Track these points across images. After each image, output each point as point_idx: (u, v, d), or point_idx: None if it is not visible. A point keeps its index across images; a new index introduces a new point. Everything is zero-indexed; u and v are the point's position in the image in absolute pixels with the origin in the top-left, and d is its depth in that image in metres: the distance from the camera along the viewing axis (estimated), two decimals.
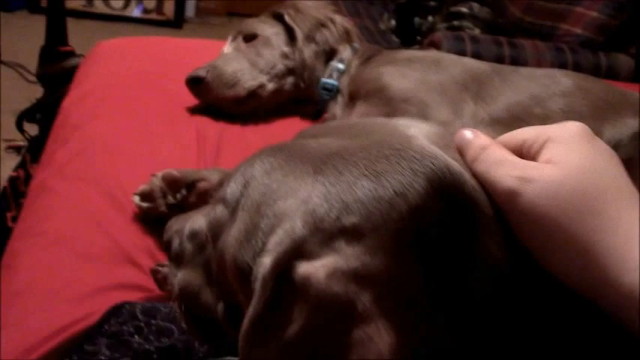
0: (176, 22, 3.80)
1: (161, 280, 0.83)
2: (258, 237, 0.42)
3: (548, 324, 0.42)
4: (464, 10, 2.56)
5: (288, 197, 0.42)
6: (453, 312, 0.40)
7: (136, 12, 3.76)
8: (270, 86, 1.33)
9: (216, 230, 0.49)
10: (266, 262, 0.40)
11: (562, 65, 2.23)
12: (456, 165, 0.43)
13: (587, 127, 0.46)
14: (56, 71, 1.78)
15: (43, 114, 1.80)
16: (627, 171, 1.19)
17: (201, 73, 1.28)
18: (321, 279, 0.38)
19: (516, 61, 2.21)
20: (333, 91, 1.32)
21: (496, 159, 0.44)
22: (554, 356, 0.42)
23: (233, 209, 0.46)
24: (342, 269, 0.38)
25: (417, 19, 2.62)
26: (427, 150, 0.43)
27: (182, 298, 0.59)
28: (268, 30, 1.37)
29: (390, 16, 2.73)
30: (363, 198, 0.39)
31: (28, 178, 1.44)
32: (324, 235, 0.39)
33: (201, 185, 0.95)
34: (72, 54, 1.81)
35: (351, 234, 0.39)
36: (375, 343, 0.37)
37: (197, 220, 0.59)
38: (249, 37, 1.36)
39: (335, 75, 1.34)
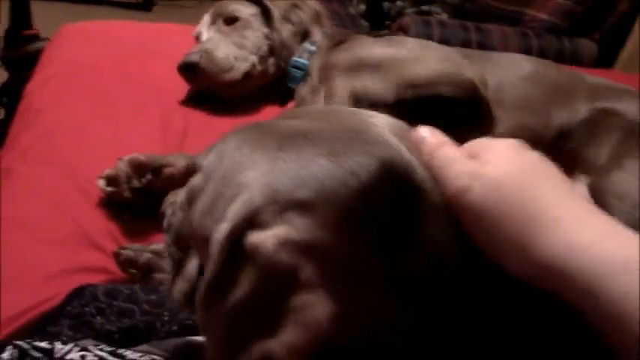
0: (145, 5, 3.76)
1: (123, 263, 0.85)
2: (221, 205, 0.44)
3: (501, 315, 0.44)
4: None
5: (250, 169, 0.44)
6: (408, 298, 0.42)
7: None
8: (259, 67, 1.34)
9: (191, 198, 0.50)
10: (223, 228, 0.42)
11: (527, 50, 2.27)
12: (408, 154, 0.45)
13: (519, 142, 0.49)
14: (20, 55, 1.76)
15: (8, 98, 1.78)
16: (570, 159, 1.21)
17: (195, 58, 1.27)
18: (269, 247, 0.40)
19: (483, 46, 2.24)
20: (303, 70, 1.34)
21: (449, 157, 0.46)
22: (511, 348, 0.44)
23: (207, 179, 0.48)
24: (291, 239, 0.40)
25: (386, 4, 2.63)
26: (384, 137, 0.46)
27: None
28: (246, 11, 1.37)
29: (359, 1, 2.74)
30: (318, 174, 0.41)
31: None
32: (278, 206, 0.41)
33: (168, 170, 0.96)
34: (36, 37, 1.79)
35: (304, 207, 0.41)
36: (312, 311, 0.39)
37: None
38: (230, 20, 1.36)
39: (306, 55, 1.36)
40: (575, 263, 0.39)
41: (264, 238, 0.40)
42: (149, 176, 0.95)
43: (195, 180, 0.51)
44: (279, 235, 0.40)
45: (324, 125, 0.48)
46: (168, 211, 0.63)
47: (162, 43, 1.54)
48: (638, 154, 1.06)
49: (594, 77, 1.27)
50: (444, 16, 2.49)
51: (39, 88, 1.29)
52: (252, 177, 0.43)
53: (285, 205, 0.41)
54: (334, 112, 0.56)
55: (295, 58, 1.35)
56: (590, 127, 1.16)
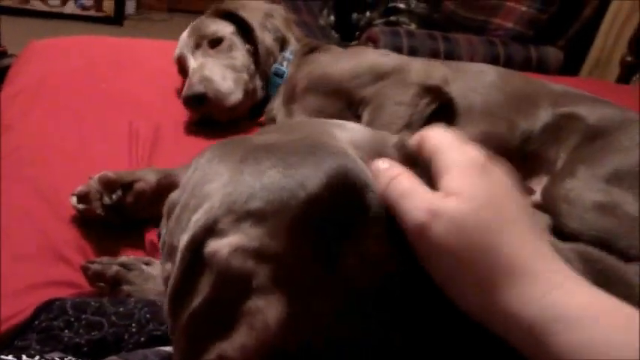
0: (116, 19, 3.75)
1: (91, 276, 0.86)
2: (186, 216, 0.47)
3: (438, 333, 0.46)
4: (400, 5, 2.62)
5: (214, 181, 0.46)
6: (353, 306, 0.44)
7: (74, 9, 3.69)
8: (251, 85, 1.36)
9: (169, 211, 0.52)
10: (184, 237, 0.45)
11: (494, 58, 2.31)
12: (358, 169, 0.46)
13: (483, 153, 0.47)
14: None
15: None
16: (534, 163, 1.24)
17: (200, 89, 1.27)
18: (224, 254, 0.42)
19: (451, 55, 2.28)
20: (283, 78, 1.36)
21: (404, 190, 0.45)
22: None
23: (182, 192, 0.51)
24: (243, 247, 0.42)
25: (355, 15, 2.67)
26: (337, 150, 0.47)
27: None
28: (228, 30, 1.38)
29: (328, 12, 2.77)
30: (269, 186, 0.44)
31: None
32: (234, 216, 0.43)
33: (138, 186, 0.97)
34: (4, 54, 1.79)
35: (256, 217, 0.43)
36: (263, 315, 0.41)
37: None
38: (215, 42, 1.37)
39: (285, 63, 1.38)
40: (529, 317, 0.39)
41: (220, 246, 0.42)
42: (119, 192, 0.95)
43: (174, 194, 0.53)
44: (233, 243, 0.42)
45: (287, 139, 0.49)
46: (163, 231, 0.64)
47: (131, 57, 1.54)
48: (591, 159, 1.09)
49: (556, 84, 1.31)
50: (412, 27, 2.53)
51: (6, 104, 1.29)
52: (214, 188, 0.46)
53: (241, 215, 0.43)
54: (302, 125, 0.58)
55: (276, 66, 1.37)
56: (552, 130, 1.19)
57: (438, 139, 0.48)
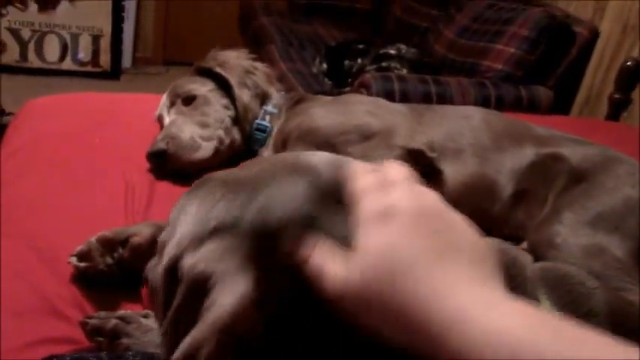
0: (113, 74, 3.81)
1: (90, 331, 0.86)
2: (166, 245, 0.56)
3: None
4: (391, 51, 2.67)
5: (184, 214, 0.56)
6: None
7: (71, 64, 3.75)
8: (227, 140, 1.37)
9: (161, 249, 0.58)
10: (160, 266, 0.55)
11: (485, 99, 2.35)
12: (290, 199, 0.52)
13: (403, 195, 0.48)
14: None
15: None
16: (523, 201, 1.27)
17: (162, 145, 1.30)
18: (189, 265, 0.51)
19: (443, 97, 2.31)
20: (266, 133, 1.38)
21: (316, 270, 0.47)
22: None
23: (166, 230, 0.58)
24: (203, 257, 0.51)
25: (347, 62, 2.71)
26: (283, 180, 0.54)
27: None
28: (203, 88, 1.41)
29: (321, 60, 2.82)
30: (218, 213, 0.53)
31: None
32: (198, 239, 0.52)
33: (134, 240, 0.98)
34: (1, 112, 1.82)
35: (211, 236, 0.52)
36: (217, 306, 0.47)
37: None
38: (188, 100, 1.40)
39: (268, 118, 1.40)
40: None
41: (187, 260, 0.52)
42: (120, 250, 0.96)
43: (162, 234, 0.60)
44: (196, 256, 0.51)
45: (244, 172, 0.57)
46: (150, 275, 0.67)
47: (126, 112, 1.57)
48: (575, 203, 1.11)
49: (540, 127, 1.33)
50: (404, 71, 2.57)
51: (3, 162, 1.30)
52: (183, 220, 0.55)
53: (202, 237, 0.52)
54: (270, 160, 0.68)
55: (258, 121, 1.39)
56: (539, 170, 1.22)
57: (361, 183, 0.51)
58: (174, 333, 0.51)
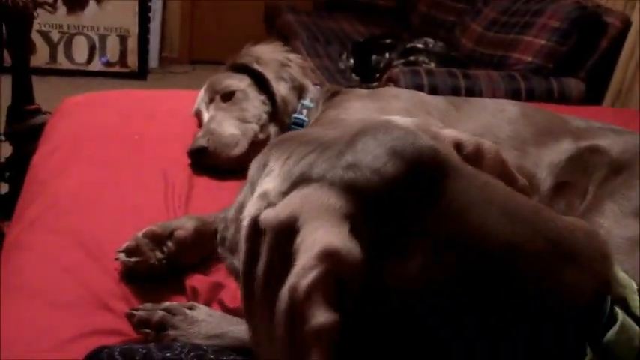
0: (140, 74, 3.85)
1: (137, 323, 0.87)
2: (244, 205, 0.54)
3: None
4: (419, 45, 2.66)
5: (265, 172, 0.55)
6: None
7: (99, 65, 3.80)
8: (262, 136, 1.38)
9: (240, 208, 0.58)
10: (245, 222, 0.52)
11: (515, 92, 2.33)
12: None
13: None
14: (24, 129, 1.81)
15: (13, 172, 1.82)
16: (563, 194, 1.24)
17: (203, 142, 1.31)
18: (271, 214, 0.48)
19: (472, 91, 2.30)
20: (303, 127, 1.38)
21: None
22: None
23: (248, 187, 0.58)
24: (285, 206, 0.48)
25: (374, 57, 2.71)
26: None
27: None
28: (241, 84, 1.41)
29: (348, 56, 2.82)
30: (306, 165, 0.51)
31: (1, 236, 1.45)
32: (283, 193, 0.50)
33: (178, 234, 0.99)
34: (38, 111, 1.84)
35: (299, 185, 0.50)
36: (313, 237, 0.45)
37: None
38: (227, 96, 1.40)
39: (305, 112, 1.40)
40: None
41: (269, 211, 0.49)
42: (169, 243, 0.98)
43: (243, 193, 0.60)
44: (277, 207, 0.49)
45: (332, 133, 0.55)
46: (220, 226, 0.70)
47: (160, 109, 1.58)
48: (617, 194, 1.09)
49: (577, 119, 1.32)
50: (432, 65, 2.56)
51: (44, 160, 1.32)
52: (266, 177, 0.54)
53: (286, 191, 0.50)
54: (354, 123, 0.64)
55: (295, 115, 1.39)
56: (577, 163, 1.20)
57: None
58: (266, 295, 0.48)
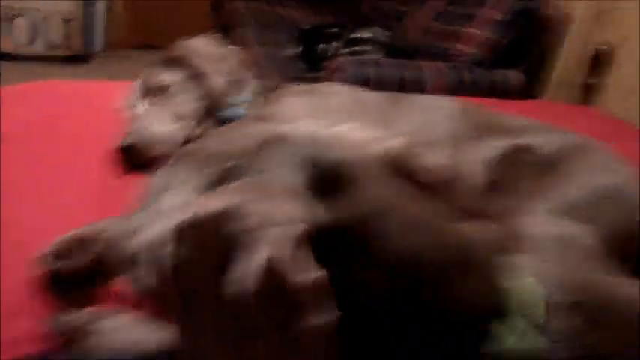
0: (84, 57, 3.76)
1: (60, 330, 0.85)
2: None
3: None
4: (365, 35, 2.66)
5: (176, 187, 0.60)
6: None
7: (42, 49, 3.68)
8: (199, 130, 1.34)
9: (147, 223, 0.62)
10: (162, 232, 0.53)
11: (460, 83, 2.36)
12: None
13: None
14: None
15: None
16: (496, 192, 1.27)
17: (131, 140, 1.27)
18: (202, 211, 0.50)
19: (418, 82, 2.32)
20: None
21: None
22: None
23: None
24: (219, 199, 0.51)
25: (321, 45, 2.70)
26: None
27: None
28: (174, 78, 1.37)
29: (295, 44, 2.80)
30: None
31: None
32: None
33: (104, 237, 0.97)
34: None
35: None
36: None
37: None
38: (160, 90, 1.36)
39: (244, 106, 1.38)
40: None
41: (198, 210, 0.51)
42: (96, 247, 0.95)
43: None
44: (208, 202, 0.51)
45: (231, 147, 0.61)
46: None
47: (97, 101, 1.54)
48: (546, 192, 1.12)
49: (512, 116, 1.34)
50: (379, 55, 2.57)
51: None
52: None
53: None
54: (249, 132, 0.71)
55: (233, 110, 1.37)
56: (510, 161, 1.22)
57: None
58: (212, 289, 0.49)
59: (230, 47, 1.46)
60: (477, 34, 2.46)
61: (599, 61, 2.27)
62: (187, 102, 1.35)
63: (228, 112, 1.36)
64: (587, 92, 2.32)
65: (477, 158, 1.23)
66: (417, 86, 2.31)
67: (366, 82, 2.27)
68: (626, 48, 2.17)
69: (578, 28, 2.42)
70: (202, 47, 1.41)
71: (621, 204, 1.13)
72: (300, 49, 2.78)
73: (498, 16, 2.42)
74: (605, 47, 2.25)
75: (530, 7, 2.43)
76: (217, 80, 1.36)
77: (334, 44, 2.70)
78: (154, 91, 1.36)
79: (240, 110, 1.37)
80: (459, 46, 2.51)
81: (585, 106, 2.32)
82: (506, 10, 2.41)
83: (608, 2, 2.28)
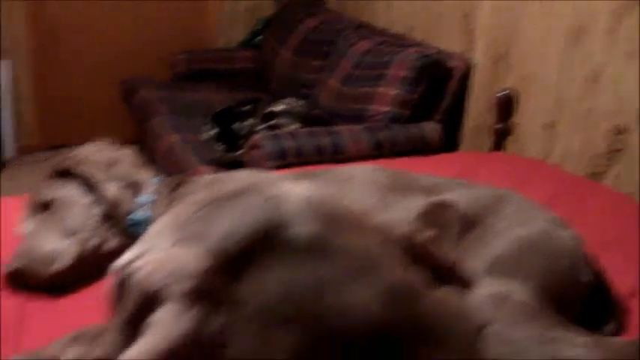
0: None
1: None
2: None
3: None
4: (279, 108, 2.65)
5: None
6: None
7: None
8: (94, 241, 1.27)
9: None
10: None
11: (378, 143, 2.37)
12: None
13: None
14: None
15: None
16: (408, 249, 1.25)
17: (17, 264, 1.20)
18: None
19: (337, 148, 2.32)
20: (145, 225, 1.29)
21: None
22: None
23: None
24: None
25: (236, 124, 2.67)
26: None
27: None
28: (60, 191, 1.31)
29: (210, 126, 2.77)
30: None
31: None
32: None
33: None
34: None
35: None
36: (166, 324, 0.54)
37: None
38: (45, 206, 1.30)
39: (145, 207, 1.31)
40: None
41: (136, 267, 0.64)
42: None
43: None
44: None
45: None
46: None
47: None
48: (471, 251, 1.10)
49: (426, 175, 1.34)
50: (295, 126, 2.56)
51: None
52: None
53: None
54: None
55: (132, 216, 1.30)
56: (430, 219, 1.20)
57: None
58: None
59: (122, 151, 1.40)
60: (388, 93, 2.50)
61: (503, 106, 2.32)
62: (78, 215, 1.27)
63: (134, 216, 1.30)
64: (500, 136, 2.37)
65: (394, 220, 1.20)
66: (337, 153, 2.31)
67: (284, 156, 2.26)
68: (531, 87, 2.23)
69: (481, 76, 2.49)
70: (92, 154, 1.35)
71: (546, 251, 1.13)
72: (216, 130, 2.74)
73: (405, 73, 2.46)
74: (505, 92, 2.31)
75: (432, 60, 2.49)
76: (109, 188, 1.29)
77: (250, 121, 2.67)
78: (40, 208, 1.28)
79: (140, 214, 1.30)
80: (374, 106, 2.54)
81: (498, 151, 2.36)
82: (411, 66, 2.46)
83: (504, 47, 2.36)
